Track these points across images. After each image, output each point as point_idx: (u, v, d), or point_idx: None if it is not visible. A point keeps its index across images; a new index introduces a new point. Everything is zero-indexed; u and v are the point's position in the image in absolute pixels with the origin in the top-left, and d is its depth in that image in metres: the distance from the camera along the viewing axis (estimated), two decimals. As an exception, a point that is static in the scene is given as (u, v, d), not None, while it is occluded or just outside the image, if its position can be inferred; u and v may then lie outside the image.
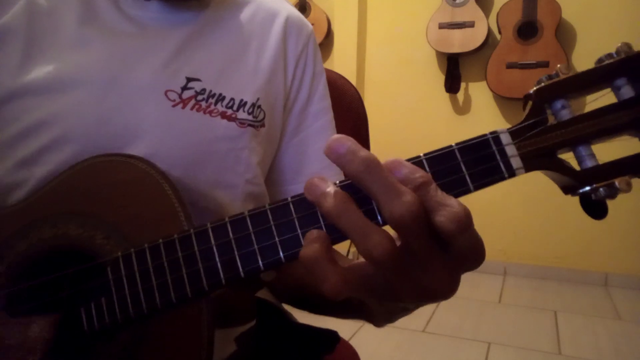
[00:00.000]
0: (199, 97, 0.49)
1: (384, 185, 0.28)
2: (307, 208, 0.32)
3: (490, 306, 2.23)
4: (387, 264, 0.28)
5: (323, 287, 0.29)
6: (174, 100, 0.48)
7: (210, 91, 0.50)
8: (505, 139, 0.31)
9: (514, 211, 2.56)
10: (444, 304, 2.22)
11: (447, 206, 0.28)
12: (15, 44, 0.47)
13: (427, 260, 0.29)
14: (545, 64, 2.28)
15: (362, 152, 0.29)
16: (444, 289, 0.31)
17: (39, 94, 0.46)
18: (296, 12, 0.62)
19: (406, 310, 0.38)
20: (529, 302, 2.27)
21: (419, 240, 0.28)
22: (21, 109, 0.46)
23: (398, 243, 0.29)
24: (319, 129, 0.61)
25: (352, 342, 0.80)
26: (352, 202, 0.29)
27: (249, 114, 0.52)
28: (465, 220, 0.28)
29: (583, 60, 2.34)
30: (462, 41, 2.44)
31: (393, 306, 0.37)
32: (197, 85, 0.50)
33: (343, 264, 0.31)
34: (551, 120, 0.32)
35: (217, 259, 0.34)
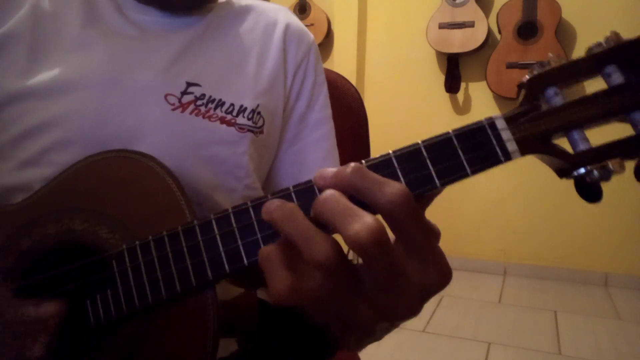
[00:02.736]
0: (199, 102, 0.50)
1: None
2: (310, 197, 0.33)
3: (490, 306, 2.23)
4: (334, 277, 0.29)
5: (269, 289, 0.30)
6: (174, 104, 0.49)
7: (210, 96, 0.51)
8: (501, 124, 0.32)
9: (514, 211, 2.56)
10: (444, 303, 2.22)
11: (385, 184, 0.29)
12: (21, 48, 0.48)
13: (391, 280, 0.29)
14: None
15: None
16: (406, 308, 0.30)
17: (42, 97, 0.47)
18: (297, 22, 0.62)
19: (371, 335, 0.36)
20: (529, 302, 2.27)
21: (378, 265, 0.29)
22: (24, 111, 0.46)
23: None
24: (318, 139, 0.61)
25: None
26: (298, 210, 0.30)
27: (248, 119, 0.53)
28: (406, 198, 0.29)
29: (583, 60, 2.34)
30: (462, 41, 2.45)
31: (352, 326, 0.36)
32: (196, 90, 0.50)
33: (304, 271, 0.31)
34: (544, 107, 0.32)
35: (221, 249, 0.35)
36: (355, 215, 0.28)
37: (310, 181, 0.33)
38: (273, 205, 0.31)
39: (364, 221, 0.28)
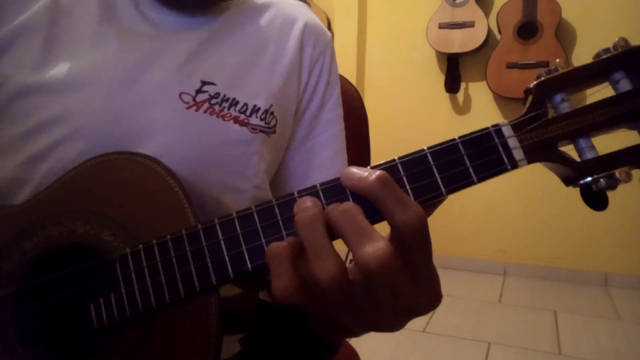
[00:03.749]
0: (213, 101, 0.49)
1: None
2: (339, 196, 0.33)
3: (490, 306, 2.23)
4: (331, 293, 0.29)
5: (274, 284, 0.30)
6: (188, 103, 0.48)
7: (225, 95, 0.50)
8: (507, 131, 0.32)
9: (514, 211, 2.56)
10: (444, 304, 2.21)
11: (406, 206, 0.29)
12: (36, 41, 0.48)
13: (380, 301, 0.30)
14: (545, 64, 2.28)
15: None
16: (388, 324, 0.32)
17: (52, 91, 0.46)
18: (315, 19, 0.61)
19: (352, 333, 0.38)
20: (529, 302, 2.27)
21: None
22: (35, 105, 0.46)
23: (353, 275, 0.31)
24: (328, 139, 0.60)
25: (352, 342, 0.80)
26: (318, 220, 0.30)
27: (261, 120, 0.52)
28: (421, 225, 0.29)
29: (583, 60, 2.30)
30: (462, 41, 2.45)
31: (334, 326, 0.38)
32: (211, 89, 0.50)
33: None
34: (551, 113, 0.32)
35: (225, 254, 0.35)
36: (369, 237, 0.28)
37: (338, 179, 0.33)
38: (300, 206, 0.32)
39: (375, 245, 0.28)
